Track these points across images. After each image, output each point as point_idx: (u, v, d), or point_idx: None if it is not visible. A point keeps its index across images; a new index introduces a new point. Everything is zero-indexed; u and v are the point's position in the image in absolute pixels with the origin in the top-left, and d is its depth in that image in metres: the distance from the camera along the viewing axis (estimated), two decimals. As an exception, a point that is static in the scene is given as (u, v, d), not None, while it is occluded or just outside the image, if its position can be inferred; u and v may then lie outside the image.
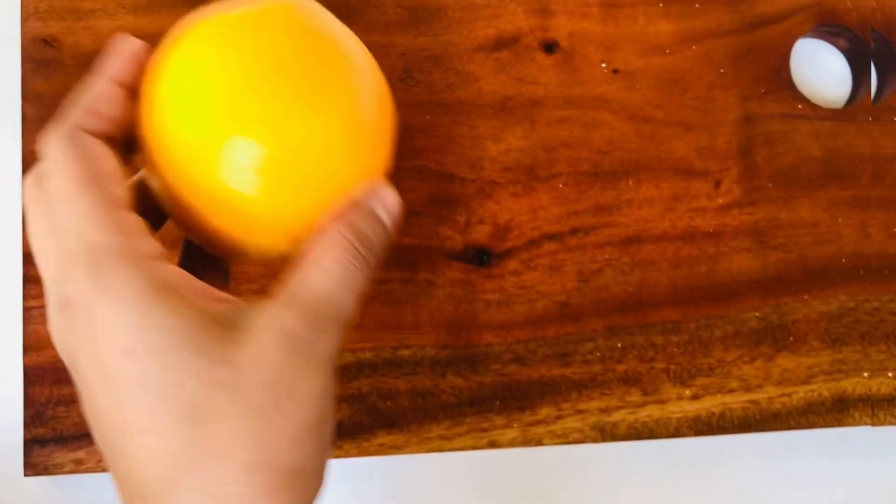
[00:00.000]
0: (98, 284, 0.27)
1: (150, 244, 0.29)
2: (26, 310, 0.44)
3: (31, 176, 0.31)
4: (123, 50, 0.32)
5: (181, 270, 0.29)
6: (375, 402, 0.44)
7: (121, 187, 0.29)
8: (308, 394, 0.29)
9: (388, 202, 0.32)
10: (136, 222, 0.29)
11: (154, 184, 0.32)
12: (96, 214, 0.28)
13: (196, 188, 0.30)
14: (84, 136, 0.30)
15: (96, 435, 0.29)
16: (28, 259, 0.44)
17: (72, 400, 0.43)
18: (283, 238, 0.32)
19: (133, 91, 0.32)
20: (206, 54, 0.30)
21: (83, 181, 0.29)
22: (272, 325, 0.28)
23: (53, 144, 0.30)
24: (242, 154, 0.29)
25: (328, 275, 0.30)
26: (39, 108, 0.45)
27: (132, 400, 0.27)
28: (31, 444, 0.43)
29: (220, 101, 0.29)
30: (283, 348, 0.28)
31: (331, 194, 0.31)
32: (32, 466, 0.43)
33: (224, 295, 0.30)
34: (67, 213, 0.28)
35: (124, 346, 0.27)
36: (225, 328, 0.28)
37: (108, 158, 0.30)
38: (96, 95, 0.31)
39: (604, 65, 0.48)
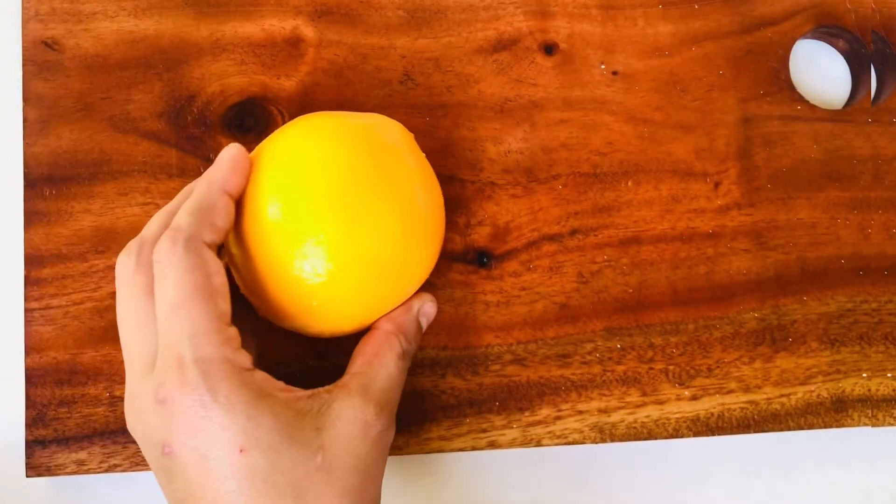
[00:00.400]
0: (214, 396, 0.32)
1: (245, 356, 0.34)
2: (27, 311, 0.43)
3: (132, 254, 0.36)
4: (240, 165, 0.37)
5: (267, 375, 0.34)
6: None
7: (227, 303, 0.34)
8: (379, 475, 0.36)
9: (429, 313, 0.41)
10: (236, 336, 0.34)
11: (237, 276, 0.38)
12: (209, 328, 0.33)
13: (277, 282, 0.37)
14: (204, 249, 0.35)
15: None
16: (30, 261, 0.44)
17: (73, 401, 0.43)
18: (348, 324, 0.39)
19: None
20: (290, 167, 0.37)
21: (201, 296, 0.33)
22: (358, 418, 0.35)
23: (174, 253, 0.34)
24: (318, 255, 0.36)
25: (390, 376, 0.38)
26: (40, 110, 0.45)
27: (243, 487, 0.32)
28: (32, 445, 0.42)
29: (300, 209, 0.36)
30: (365, 438, 0.35)
31: (388, 292, 0.39)
32: (34, 467, 0.42)
33: (296, 389, 0.35)
34: (182, 320, 0.33)
35: (240, 444, 0.32)
36: (312, 418, 0.34)
37: (221, 274, 0.35)
38: (215, 209, 0.36)
39: (603, 66, 0.48)
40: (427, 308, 0.41)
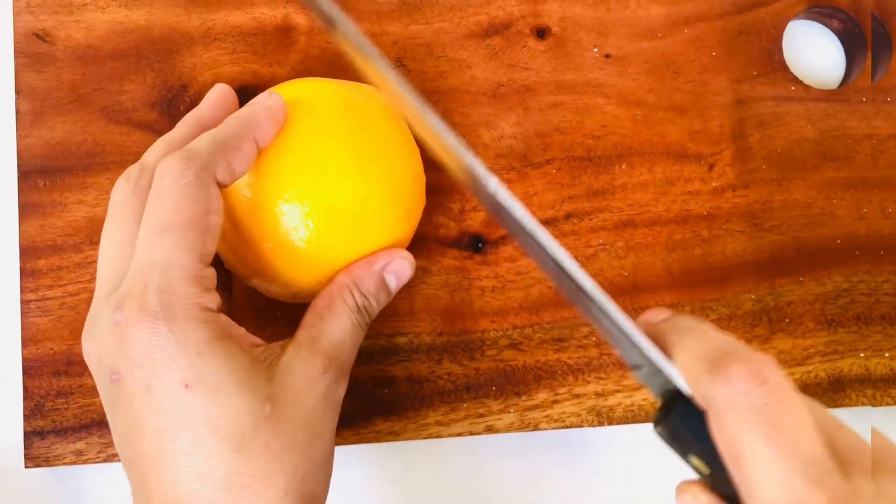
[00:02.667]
0: (170, 326, 0.31)
1: (215, 298, 0.33)
2: (24, 303, 0.43)
3: (131, 179, 0.35)
4: (277, 119, 0.36)
5: (229, 320, 0.33)
6: (372, 390, 0.44)
7: (214, 245, 0.33)
8: (328, 432, 0.35)
9: (401, 271, 0.39)
10: (212, 277, 0.33)
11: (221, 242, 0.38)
12: (185, 262, 0.32)
13: (260, 239, 0.37)
14: (213, 184, 0.33)
15: (127, 449, 0.33)
16: (25, 252, 0.44)
17: (71, 392, 0.43)
18: (328, 282, 0.38)
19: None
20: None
21: (193, 228, 0.32)
22: (304, 371, 0.34)
23: (184, 176, 0.33)
24: (296, 211, 0.36)
25: (341, 328, 0.36)
26: (33, 102, 0.45)
27: (185, 427, 0.31)
28: (31, 436, 0.43)
29: (278, 169, 0.37)
30: (314, 391, 0.34)
31: (367, 249, 0.38)
32: (33, 458, 0.42)
33: (256, 339, 0.35)
34: (163, 245, 0.32)
35: (186, 379, 0.31)
36: (263, 368, 0.33)
37: (219, 215, 0.34)
38: (240, 152, 0.35)
39: (596, 50, 0.48)
40: (396, 265, 0.39)
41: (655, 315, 0.33)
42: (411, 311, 0.45)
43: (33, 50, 0.45)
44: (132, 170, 0.36)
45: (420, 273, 0.45)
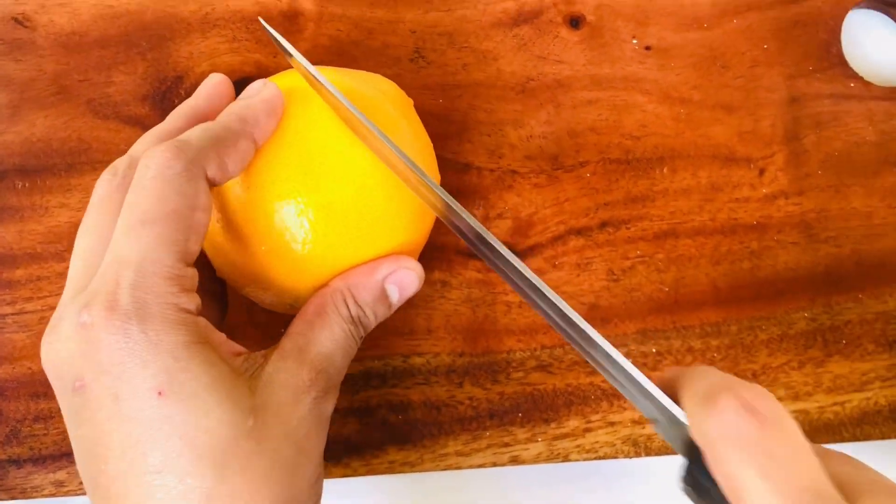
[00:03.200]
0: (142, 327, 0.28)
1: (194, 299, 0.30)
2: None
3: (118, 173, 0.33)
4: (275, 111, 0.34)
5: (209, 324, 0.31)
6: (386, 416, 0.42)
7: (199, 245, 0.31)
8: (315, 450, 0.32)
9: (406, 283, 0.36)
10: (192, 277, 0.30)
11: (209, 248, 0.36)
12: (164, 258, 0.29)
13: (253, 241, 0.34)
14: (203, 180, 0.31)
15: (91, 468, 0.30)
16: (2, 261, 0.42)
17: (51, 416, 0.40)
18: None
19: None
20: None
21: (175, 223, 0.30)
22: (289, 382, 0.31)
23: (170, 167, 0.30)
24: (292, 209, 0.33)
25: (334, 341, 0.33)
26: (11, 94, 0.42)
27: (157, 440, 0.28)
28: (6, 464, 0.41)
29: (273, 163, 0.34)
30: (300, 406, 0.31)
31: (372, 254, 0.35)
32: (8, 490, 0.41)
33: (238, 347, 0.32)
34: (140, 238, 0.29)
35: (160, 386, 0.28)
36: (246, 379, 0.31)
37: (207, 213, 0.31)
38: (234, 150, 0.32)
39: (635, 41, 0.45)
40: (401, 276, 0.36)
41: (669, 371, 0.31)
42: (429, 328, 0.43)
43: (11, 36, 0.43)
44: (119, 163, 0.34)
45: (439, 286, 0.42)
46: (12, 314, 0.41)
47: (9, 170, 0.42)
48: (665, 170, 0.44)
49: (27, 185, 0.42)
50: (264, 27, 0.36)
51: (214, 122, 0.33)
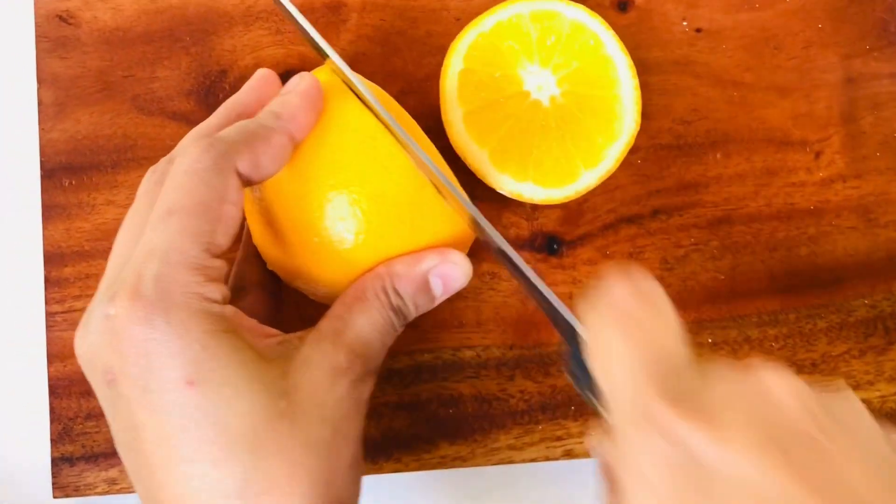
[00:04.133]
0: (167, 317, 0.28)
1: (220, 289, 0.30)
2: (49, 315, 0.41)
3: (158, 169, 0.33)
4: (314, 104, 0.33)
5: (238, 311, 0.31)
6: (436, 410, 0.41)
7: (227, 236, 0.31)
8: (354, 434, 0.32)
9: (451, 276, 0.35)
10: (219, 269, 0.30)
11: (259, 241, 0.36)
12: (189, 248, 0.29)
13: (304, 234, 0.34)
14: (232, 174, 0.31)
15: (131, 460, 0.30)
16: (50, 259, 0.41)
17: (102, 413, 0.39)
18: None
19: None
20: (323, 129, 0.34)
21: (203, 214, 0.30)
22: (326, 363, 0.31)
23: (200, 160, 0.30)
24: (343, 199, 0.33)
25: (373, 325, 0.33)
26: (56, 92, 0.42)
27: (189, 429, 0.28)
28: (59, 462, 0.41)
29: (325, 163, 0.33)
30: (337, 387, 0.31)
31: (422, 245, 0.34)
32: (62, 487, 0.41)
33: (272, 330, 0.32)
34: (167, 228, 0.29)
35: (188, 376, 0.28)
36: (279, 362, 0.30)
37: (237, 206, 0.31)
38: (269, 146, 0.32)
39: (685, 23, 0.44)
40: (446, 269, 0.35)
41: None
42: (479, 321, 0.42)
43: (56, 34, 0.43)
44: (162, 162, 0.34)
45: (488, 278, 0.42)
46: (61, 312, 0.41)
47: (56, 168, 0.41)
48: (718, 155, 0.43)
49: (74, 182, 0.41)
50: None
51: (251, 119, 0.33)
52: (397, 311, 0.34)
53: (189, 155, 0.30)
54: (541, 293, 0.31)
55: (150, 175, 0.33)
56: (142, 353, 0.28)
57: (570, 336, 0.30)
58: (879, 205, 0.43)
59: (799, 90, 0.44)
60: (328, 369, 0.31)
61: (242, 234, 0.39)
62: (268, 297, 0.38)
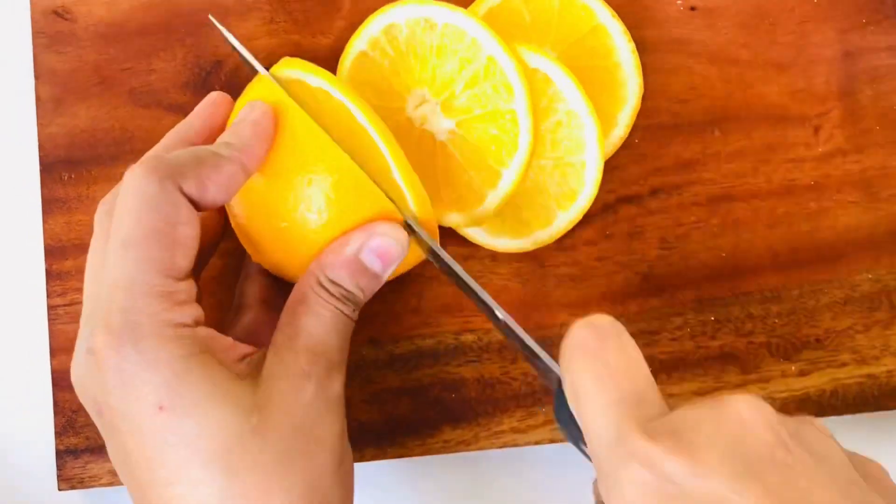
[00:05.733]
0: (137, 347, 0.29)
1: (189, 311, 0.31)
2: (51, 308, 0.42)
3: (108, 200, 0.34)
4: (265, 133, 0.34)
5: (211, 331, 0.32)
6: (439, 395, 0.41)
7: (187, 258, 0.31)
8: (329, 435, 0.32)
9: (385, 249, 0.34)
10: (185, 290, 0.31)
11: (236, 222, 0.37)
12: (150, 278, 0.30)
13: (274, 220, 0.35)
14: (178, 195, 0.31)
15: (128, 482, 0.32)
16: (51, 252, 0.42)
17: None
18: None
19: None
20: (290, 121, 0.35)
21: (157, 241, 0.30)
22: (288, 371, 0.32)
23: (145, 184, 0.31)
24: (313, 187, 0.34)
25: (322, 322, 0.33)
26: (54, 86, 0.42)
27: (166, 452, 0.30)
28: (63, 455, 0.41)
29: (294, 152, 0.34)
30: (303, 393, 0.32)
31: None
32: (67, 479, 0.41)
33: (247, 348, 0.33)
34: (126, 261, 0.30)
35: (160, 401, 0.29)
36: (249, 379, 0.31)
37: (190, 225, 0.31)
38: (218, 173, 0.32)
39: (679, 2, 0.44)
40: (377, 243, 0.34)
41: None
42: None
43: (53, 29, 0.43)
44: (111, 193, 0.35)
45: (488, 261, 0.42)
46: (63, 305, 0.41)
47: (55, 162, 0.42)
48: (716, 133, 0.43)
49: (73, 176, 0.42)
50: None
51: (202, 146, 0.33)
52: (343, 300, 0.34)
53: (134, 180, 0.31)
54: (521, 340, 0.33)
55: (102, 206, 0.34)
56: (118, 383, 0.30)
57: (552, 382, 0.32)
58: (880, 179, 0.43)
59: (796, 66, 0.43)
60: (291, 377, 0.32)
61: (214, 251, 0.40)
62: (270, 312, 0.38)
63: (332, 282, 0.34)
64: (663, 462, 0.25)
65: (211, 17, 0.37)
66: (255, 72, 0.36)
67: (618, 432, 0.26)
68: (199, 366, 0.30)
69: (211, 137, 0.35)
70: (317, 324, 0.33)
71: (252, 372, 0.32)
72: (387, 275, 0.35)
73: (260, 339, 0.35)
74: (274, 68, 0.37)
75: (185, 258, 0.31)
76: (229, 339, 0.33)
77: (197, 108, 0.37)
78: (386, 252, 0.34)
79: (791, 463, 0.25)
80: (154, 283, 0.30)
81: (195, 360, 0.30)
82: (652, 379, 0.29)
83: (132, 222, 0.30)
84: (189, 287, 0.31)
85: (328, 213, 0.34)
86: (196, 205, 0.32)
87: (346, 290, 0.34)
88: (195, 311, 0.31)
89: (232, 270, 0.41)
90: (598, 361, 0.28)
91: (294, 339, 0.33)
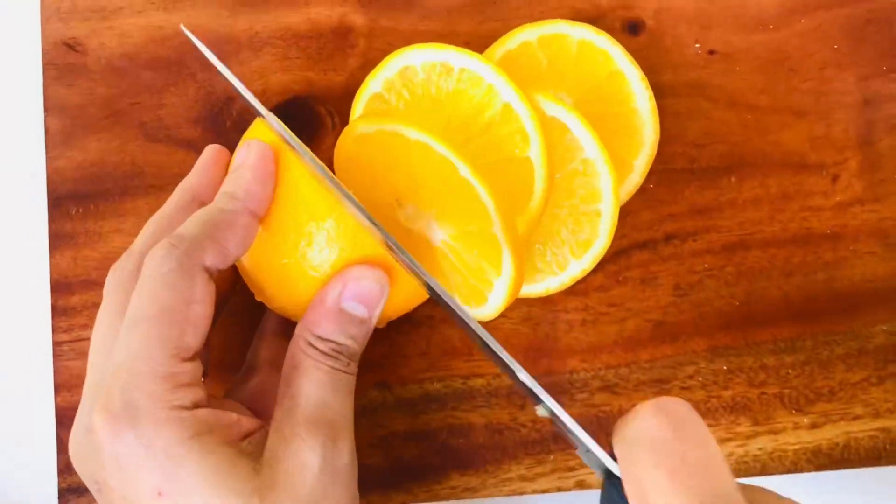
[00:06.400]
0: (135, 431, 0.29)
1: (190, 393, 0.30)
2: (56, 344, 0.41)
3: (119, 266, 0.34)
4: (266, 174, 0.33)
5: (213, 411, 0.31)
6: (446, 440, 0.41)
7: (198, 336, 0.31)
8: (342, 498, 0.32)
9: (365, 293, 0.33)
10: (188, 372, 0.31)
11: (244, 268, 0.36)
12: (156, 356, 0.30)
13: (278, 264, 0.34)
14: (199, 272, 0.31)
15: None
16: (57, 288, 0.41)
17: None
18: None
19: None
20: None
21: (168, 320, 0.30)
22: (289, 449, 0.31)
23: (164, 264, 0.31)
24: (320, 233, 0.33)
25: (318, 383, 0.32)
26: (63, 119, 0.42)
27: None
28: (66, 493, 0.41)
29: (298, 205, 0.34)
30: (307, 470, 0.31)
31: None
32: None
33: (252, 424, 0.32)
34: (134, 340, 0.30)
35: (159, 486, 0.29)
36: (251, 459, 0.31)
37: (205, 303, 0.31)
38: (231, 229, 0.32)
39: (698, 45, 0.44)
40: (355, 289, 0.33)
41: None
42: None
43: (63, 61, 0.43)
44: (123, 258, 0.35)
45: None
46: (69, 341, 0.41)
47: (63, 196, 0.41)
48: (732, 179, 0.42)
49: (81, 210, 0.41)
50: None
51: (209, 206, 0.33)
52: (335, 355, 0.33)
53: (153, 258, 0.31)
54: (564, 424, 0.30)
55: (113, 273, 0.34)
56: (116, 466, 0.30)
57: (602, 472, 0.29)
58: (898, 229, 0.42)
59: (815, 112, 0.43)
60: (293, 453, 0.31)
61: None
62: (278, 375, 0.37)
63: (320, 338, 0.33)
64: None
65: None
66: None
67: None
68: (199, 449, 0.29)
69: (215, 191, 0.35)
70: (313, 387, 0.32)
71: (256, 450, 0.31)
72: (375, 317, 0.34)
73: (267, 402, 0.34)
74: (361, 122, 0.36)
75: (195, 337, 0.31)
76: (233, 416, 0.32)
77: (196, 165, 0.37)
78: (366, 295, 0.33)
79: None
80: (158, 364, 0.30)
81: (194, 443, 0.30)
82: (734, 480, 0.25)
83: (146, 300, 0.30)
84: (194, 368, 0.31)
85: (329, 250, 0.33)
86: (218, 271, 0.32)
87: (335, 343, 0.33)
88: (197, 393, 0.31)
89: (245, 329, 0.40)
90: (675, 456, 0.25)
91: (293, 411, 0.32)
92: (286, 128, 0.34)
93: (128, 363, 0.30)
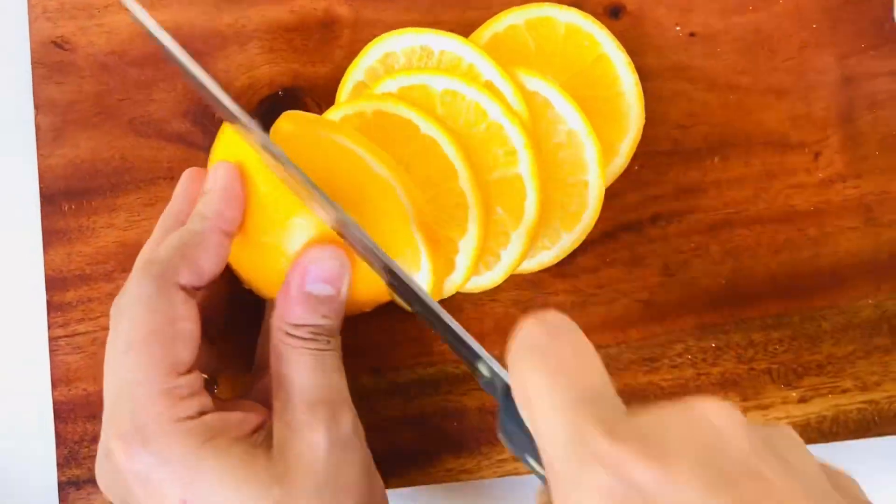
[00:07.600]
0: (148, 449, 0.31)
1: (194, 403, 0.32)
2: (52, 339, 0.42)
3: (118, 296, 0.34)
4: (234, 194, 0.34)
5: (219, 414, 0.32)
6: (440, 423, 0.41)
7: (188, 350, 0.32)
8: (354, 476, 0.33)
9: (326, 274, 0.34)
10: (188, 384, 0.32)
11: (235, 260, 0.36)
12: (152, 377, 0.31)
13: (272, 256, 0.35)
14: (175, 291, 0.32)
15: None
16: (52, 283, 0.42)
17: None
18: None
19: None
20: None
21: (157, 341, 0.32)
22: (294, 432, 0.32)
23: (141, 287, 0.32)
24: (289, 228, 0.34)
25: (305, 367, 0.33)
26: (54, 117, 0.42)
27: None
28: (66, 486, 0.41)
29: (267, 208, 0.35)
30: (316, 449, 0.32)
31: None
32: None
33: (258, 418, 0.33)
34: (129, 365, 0.32)
35: (183, 496, 0.31)
36: (265, 449, 0.32)
37: (189, 319, 0.33)
38: (203, 248, 0.33)
39: (678, 28, 0.44)
40: (315, 271, 0.34)
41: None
42: (481, 332, 0.42)
43: (52, 59, 0.43)
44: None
45: (490, 290, 0.41)
46: (65, 336, 0.41)
47: (55, 193, 0.42)
48: (716, 159, 0.43)
49: (73, 207, 0.42)
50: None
51: (181, 229, 0.34)
52: (314, 338, 0.34)
53: (131, 283, 0.33)
54: (463, 342, 0.32)
55: (116, 302, 0.34)
56: (139, 484, 0.31)
57: (497, 389, 0.30)
58: (880, 204, 0.43)
59: (796, 92, 0.43)
60: (300, 438, 0.32)
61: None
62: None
63: (295, 325, 0.33)
64: (632, 467, 0.23)
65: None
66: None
67: (577, 433, 0.24)
68: (213, 453, 0.31)
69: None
70: (302, 372, 0.33)
71: (267, 440, 0.33)
72: (344, 290, 0.34)
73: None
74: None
75: (186, 350, 0.32)
76: (239, 414, 0.33)
77: (176, 190, 0.37)
78: (328, 274, 0.34)
79: (765, 472, 0.23)
80: (155, 384, 0.31)
81: (207, 449, 0.31)
82: (609, 377, 0.26)
83: (131, 326, 0.32)
84: (193, 379, 0.32)
85: (298, 241, 0.34)
86: (195, 288, 0.33)
87: (311, 325, 0.34)
88: (201, 401, 0.32)
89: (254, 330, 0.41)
90: (551, 358, 0.26)
91: (290, 400, 0.33)
92: (260, 130, 0.33)
93: (127, 388, 0.31)
